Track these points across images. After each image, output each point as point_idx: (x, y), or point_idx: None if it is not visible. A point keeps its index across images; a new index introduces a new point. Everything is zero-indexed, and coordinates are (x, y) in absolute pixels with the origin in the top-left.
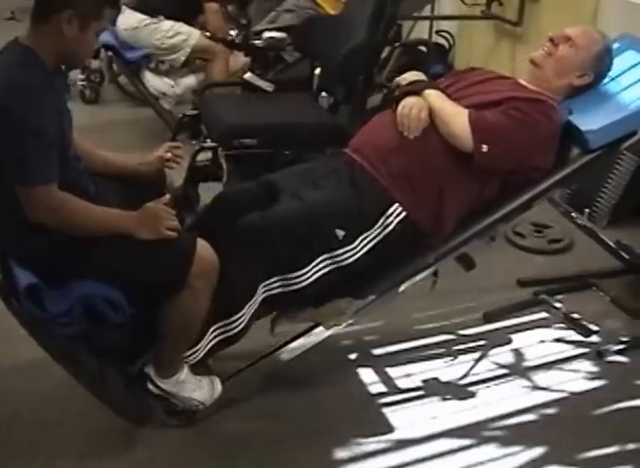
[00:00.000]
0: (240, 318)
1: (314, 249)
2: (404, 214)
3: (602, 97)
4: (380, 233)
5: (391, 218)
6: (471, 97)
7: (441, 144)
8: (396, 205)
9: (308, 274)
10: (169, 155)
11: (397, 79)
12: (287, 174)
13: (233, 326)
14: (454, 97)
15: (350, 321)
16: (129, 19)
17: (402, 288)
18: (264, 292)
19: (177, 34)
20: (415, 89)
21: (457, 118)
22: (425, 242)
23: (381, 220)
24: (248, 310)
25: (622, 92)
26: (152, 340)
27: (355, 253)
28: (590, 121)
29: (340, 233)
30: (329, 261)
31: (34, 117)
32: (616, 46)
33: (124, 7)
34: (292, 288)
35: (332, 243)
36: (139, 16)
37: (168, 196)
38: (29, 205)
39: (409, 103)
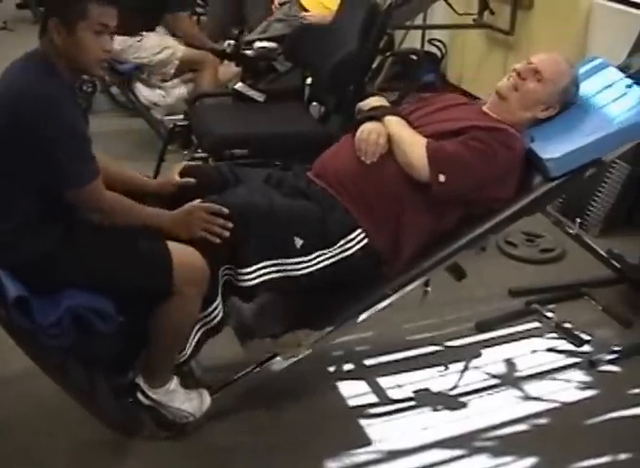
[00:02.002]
0: (217, 307)
1: (267, 249)
2: (365, 241)
3: (565, 125)
4: (337, 254)
5: (352, 243)
6: (432, 124)
7: (399, 171)
8: (359, 230)
9: (253, 274)
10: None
11: (359, 104)
12: (255, 172)
13: (212, 316)
14: (415, 125)
15: (307, 352)
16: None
17: (360, 318)
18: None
19: (164, 49)
20: (375, 114)
21: (414, 147)
22: (384, 271)
23: (342, 242)
24: (220, 298)
25: (586, 118)
26: (142, 349)
27: (307, 267)
28: (552, 149)
29: (299, 242)
30: (278, 268)
31: (70, 119)
32: (583, 69)
33: None
34: (237, 283)
35: (287, 249)
36: (120, 39)
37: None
38: (84, 205)
39: (367, 128)
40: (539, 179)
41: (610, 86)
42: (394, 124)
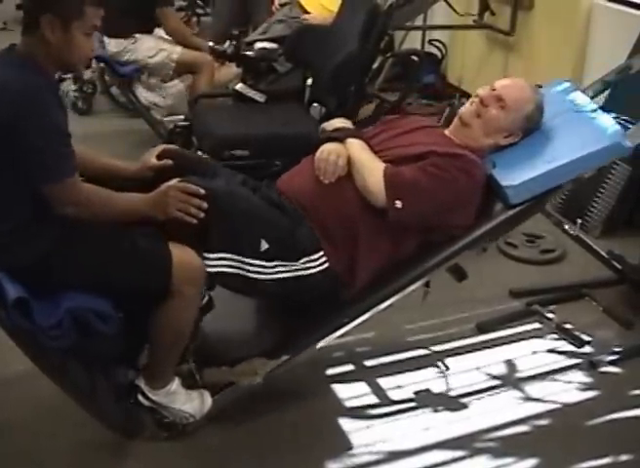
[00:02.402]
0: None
1: (233, 242)
2: (327, 265)
3: (526, 151)
4: (298, 270)
5: (313, 263)
6: (393, 149)
7: (357, 195)
8: (322, 252)
9: (213, 262)
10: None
11: (323, 124)
12: (231, 174)
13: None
14: (376, 149)
15: (260, 380)
16: (109, 46)
17: (319, 345)
18: None
19: (159, 52)
20: (337, 136)
21: (372, 172)
22: (342, 298)
23: (304, 260)
24: None
25: (548, 144)
26: (143, 349)
27: (265, 274)
28: (512, 176)
29: (264, 245)
30: (237, 264)
31: (52, 114)
32: (549, 93)
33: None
34: None
35: (252, 248)
36: (114, 41)
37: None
38: (61, 201)
39: (327, 149)
40: (499, 206)
41: (575, 111)
42: (355, 147)
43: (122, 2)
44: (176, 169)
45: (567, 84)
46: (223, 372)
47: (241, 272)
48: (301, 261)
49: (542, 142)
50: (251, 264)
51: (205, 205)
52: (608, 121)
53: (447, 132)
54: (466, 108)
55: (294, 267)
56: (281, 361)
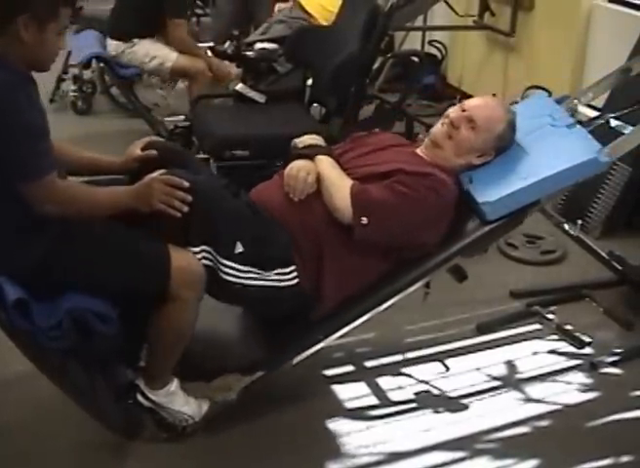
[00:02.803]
0: None
1: (210, 238)
2: (297, 280)
3: (503, 167)
4: (268, 280)
5: (285, 277)
6: (362, 167)
7: (325, 211)
8: (293, 267)
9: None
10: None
11: (294, 141)
12: (214, 178)
13: None
14: (346, 167)
15: (234, 397)
16: (109, 48)
17: (295, 361)
18: None
19: (153, 58)
20: (307, 153)
21: (340, 188)
22: (312, 316)
23: (277, 271)
24: None
25: (525, 160)
26: (142, 350)
27: (236, 277)
28: (489, 192)
29: (239, 248)
30: (211, 257)
31: (27, 109)
32: (526, 107)
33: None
34: None
35: (227, 248)
36: (115, 43)
37: None
38: (40, 199)
39: (297, 166)
40: (477, 222)
41: (553, 126)
42: (325, 164)
43: (129, 5)
44: (160, 161)
45: (546, 98)
46: (199, 387)
47: (213, 264)
48: (274, 273)
49: (519, 158)
50: (223, 264)
51: (189, 198)
52: (585, 136)
53: (418, 150)
54: (437, 129)
55: (265, 277)
56: (255, 377)
